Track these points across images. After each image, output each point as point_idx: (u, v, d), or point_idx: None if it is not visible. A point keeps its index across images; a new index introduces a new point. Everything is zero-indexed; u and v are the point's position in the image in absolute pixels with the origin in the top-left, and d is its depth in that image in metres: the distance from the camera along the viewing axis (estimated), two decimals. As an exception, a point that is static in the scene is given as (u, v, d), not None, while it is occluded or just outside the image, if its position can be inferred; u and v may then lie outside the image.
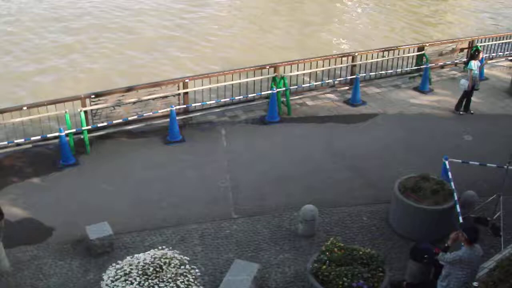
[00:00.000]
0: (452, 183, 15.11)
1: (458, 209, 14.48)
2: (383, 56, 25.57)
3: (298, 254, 14.58)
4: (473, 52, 23.17)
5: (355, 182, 17.93)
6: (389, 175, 17.01)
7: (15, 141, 19.59)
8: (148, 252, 12.27)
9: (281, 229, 15.57)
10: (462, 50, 27.61)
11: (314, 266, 12.32)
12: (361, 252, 12.38)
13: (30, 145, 19.89)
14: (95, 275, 13.90)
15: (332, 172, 18.44)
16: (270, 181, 18.00)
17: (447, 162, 15.70)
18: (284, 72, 22.98)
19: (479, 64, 22.65)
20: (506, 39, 29.63)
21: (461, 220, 14.12)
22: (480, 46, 27.48)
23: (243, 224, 15.86)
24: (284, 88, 22.22)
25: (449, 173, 15.39)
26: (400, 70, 25.94)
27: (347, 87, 24.45)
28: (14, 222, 16.15)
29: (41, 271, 14.23)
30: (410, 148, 19.89)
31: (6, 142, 19.55)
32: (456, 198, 14.75)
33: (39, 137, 19.70)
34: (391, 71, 25.74)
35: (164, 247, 12.64)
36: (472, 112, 22.83)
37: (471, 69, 22.15)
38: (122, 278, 11.54)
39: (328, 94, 24.27)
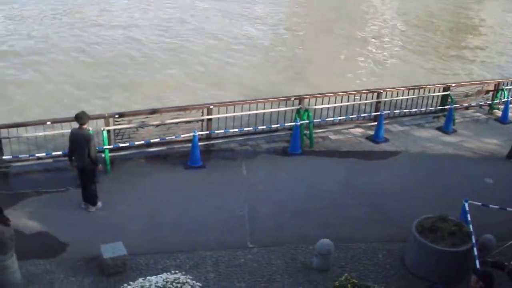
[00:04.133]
0: (471, 226, 15.00)
1: (475, 252, 14.37)
2: (408, 95, 25.47)
3: (311, 287, 14.51)
4: None
5: (373, 218, 17.82)
6: (407, 214, 16.87)
7: (37, 154, 19.71)
8: (161, 275, 12.24)
9: (296, 262, 15.46)
10: (487, 92, 27.49)
11: (326, 301, 12.26)
12: (374, 290, 12.30)
13: (51, 160, 20.00)
14: (105, 295, 13.92)
15: (350, 208, 18.36)
16: (287, 213, 17.92)
17: (466, 204, 15.60)
18: (309, 105, 22.99)
19: None
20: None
21: (477, 264, 14.00)
22: (506, 89, 27.40)
23: (258, 254, 15.76)
24: (307, 121, 22.20)
25: (468, 215, 15.28)
26: (424, 109, 25.88)
27: (370, 124, 24.39)
28: (29, 235, 16.23)
29: (52, 286, 14.23)
30: (430, 188, 19.74)
31: (27, 155, 19.69)
32: (473, 241, 14.65)
33: (60, 153, 19.74)
34: (415, 109, 25.62)
35: (177, 271, 12.61)
36: None
37: None
38: (133, 300, 11.54)
39: (351, 129, 24.22)
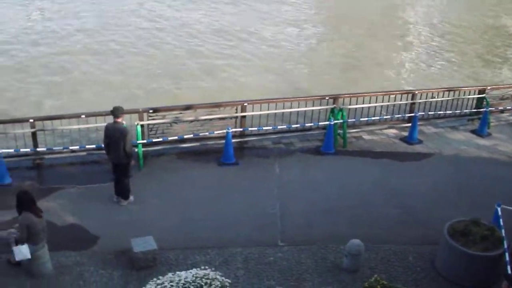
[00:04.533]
0: (503, 230, 14.89)
1: (507, 257, 14.26)
2: (443, 96, 25.31)
3: None
4: None
5: (404, 220, 17.72)
6: (439, 217, 16.77)
7: (71, 147, 19.92)
8: (190, 270, 12.32)
9: (326, 261, 15.46)
10: (523, 95, 27.20)
11: (355, 302, 12.26)
12: (404, 292, 12.25)
13: (85, 153, 20.20)
14: (134, 288, 14.08)
15: (381, 208, 18.29)
16: (319, 212, 17.91)
17: (499, 209, 15.49)
18: (343, 104, 22.95)
19: None
20: None
21: (509, 269, 13.91)
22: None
23: (288, 252, 15.80)
24: (341, 120, 22.15)
25: (501, 220, 15.17)
26: (459, 111, 25.70)
27: (404, 125, 24.25)
28: (61, 227, 16.53)
29: (82, 278, 14.47)
30: (462, 191, 19.58)
31: (61, 148, 19.90)
32: (505, 246, 14.54)
33: (94, 146, 19.96)
34: (450, 111, 25.44)
35: (206, 267, 12.67)
36: None
37: None
38: (161, 294, 11.62)
39: (385, 130, 24.12)
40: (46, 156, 20.15)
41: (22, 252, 13.67)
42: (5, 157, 19.01)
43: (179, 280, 11.89)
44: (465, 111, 25.84)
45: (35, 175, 19.85)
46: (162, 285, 11.83)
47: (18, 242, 13.72)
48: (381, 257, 15.76)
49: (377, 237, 16.66)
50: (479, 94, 25.88)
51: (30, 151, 19.83)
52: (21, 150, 19.73)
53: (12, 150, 19.62)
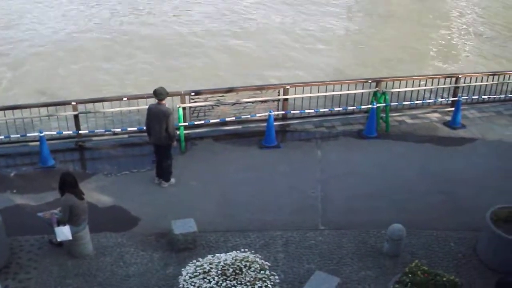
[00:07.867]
0: (548, 218, 14.71)
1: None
2: (487, 81, 24.94)
3: (380, 272, 14.43)
4: None
5: (446, 206, 17.54)
6: (482, 203, 16.52)
7: (113, 130, 20.11)
8: (230, 253, 12.41)
9: (366, 246, 15.44)
10: None
11: (395, 287, 12.20)
12: (444, 279, 12.14)
13: (126, 136, 20.38)
14: (174, 270, 14.21)
15: (423, 194, 18.13)
16: (360, 196, 17.86)
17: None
18: (386, 88, 22.79)
19: None
20: None
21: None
22: None
23: (329, 236, 15.80)
24: (384, 104, 22.00)
25: (545, 207, 14.99)
26: (504, 96, 25.31)
27: (448, 109, 23.99)
28: (102, 209, 16.79)
29: (122, 259, 14.70)
30: (507, 177, 19.23)
31: (103, 130, 20.16)
32: (549, 233, 14.38)
33: (135, 129, 20.16)
34: (494, 96, 25.07)
35: (246, 250, 12.73)
36: None
37: None
38: (201, 276, 11.73)
39: (428, 114, 23.83)
40: (89, 139, 20.36)
41: (64, 233, 13.94)
42: (48, 140, 19.25)
43: (219, 262, 12.00)
44: (510, 95, 25.39)
45: (77, 157, 20.12)
46: (202, 267, 11.94)
47: (60, 223, 13.95)
48: (422, 243, 15.67)
49: (419, 222, 16.54)
50: (524, 78, 25.46)
51: (72, 133, 20.07)
52: (64, 132, 19.96)
53: (55, 133, 19.88)
